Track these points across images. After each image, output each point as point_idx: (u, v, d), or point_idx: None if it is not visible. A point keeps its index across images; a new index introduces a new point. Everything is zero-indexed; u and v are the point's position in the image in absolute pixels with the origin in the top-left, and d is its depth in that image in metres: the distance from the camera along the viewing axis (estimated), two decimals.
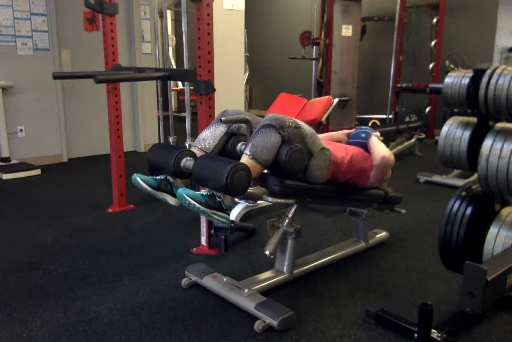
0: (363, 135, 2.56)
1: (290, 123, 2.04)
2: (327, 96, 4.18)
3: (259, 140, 1.95)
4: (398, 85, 6.48)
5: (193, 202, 1.84)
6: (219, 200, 1.91)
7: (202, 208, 1.86)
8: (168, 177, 2.10)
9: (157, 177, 2.08)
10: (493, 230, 1.97)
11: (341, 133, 2.66)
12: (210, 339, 1.87)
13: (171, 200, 2.08)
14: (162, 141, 3.95)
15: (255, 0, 7.91)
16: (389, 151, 2.44)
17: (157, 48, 3.77)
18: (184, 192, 1.85)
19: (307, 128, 2.13)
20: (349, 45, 6.72)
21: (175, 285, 2.31)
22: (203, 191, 1.90)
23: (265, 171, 2.06)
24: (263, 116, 2.08)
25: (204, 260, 2.58)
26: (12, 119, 4.70)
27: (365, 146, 2.50)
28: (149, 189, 2.04)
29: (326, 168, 2.21)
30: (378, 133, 2.57)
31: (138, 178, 2.03)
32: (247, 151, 1.95)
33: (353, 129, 2.69)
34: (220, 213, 1.92)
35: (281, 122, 2.00)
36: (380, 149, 2.43)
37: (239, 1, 4.31)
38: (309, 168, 2.14)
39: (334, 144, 2.40)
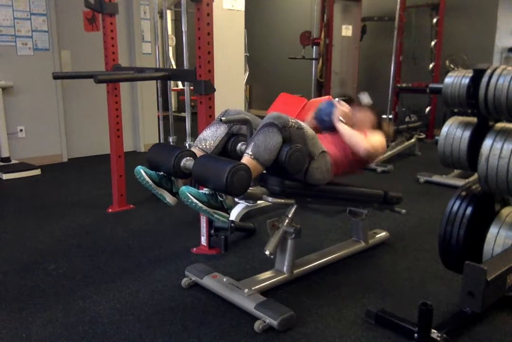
0: (326, 118, 2.42)
1: (293, 124, 2.03)
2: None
3: (262, 139, 1.95)
4: (398, 85, 6.48)
5: (195, 200, 1.83)
6: (221, 199, 1.91)
7: (204, 207, 1.86)
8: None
9: (160, 173, 2.07)
10: (493, 230, 1.97)
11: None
12: (210, 339, 1.87)
13: (168, 198, 2.08)
14: (162, 141, 3.95)
15: (255, 0, 7.91)
16: (365, 140, 2.31)
17: (157, 48, 3.77)
18: (187, 190, 1.84)
19: (308, 130, 2.12)
20: (349, 45, 6.73)
21: (175, 285, 2.31)
22: (206, 190, 1.89)
23: (264, 171, 2.06)
24: (263, 116, 2.08)
25: (204, 260, 2.58)
26: (12, 119, 4.70)
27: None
28: (150, 182, 2.03)
29: (327, 171, 2.21)
30: (341, 112, 2.39)
31: (141, 170, 2.03)
32: (249, 151, 1.94)
33: (323, 101, 2.55)
34: (221, 213, 1.92)
35: (283, 121, 1.99)
36: (353, 141, 2.30)
37: (239, 1, 4.31)
38: (310, 171, 2.14)
39: (325, 139, 2.35)
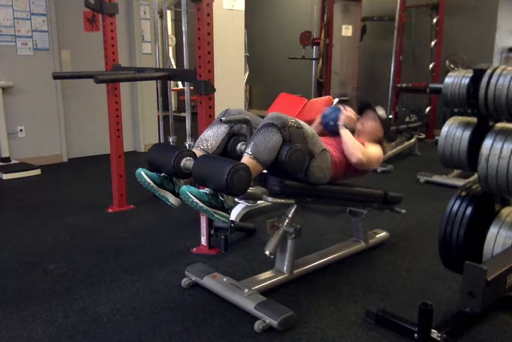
0: (331, 123, 2.47)
1: (292, 123, 2.04)
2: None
3: (261, 139, 1.95)
4: (398, 85, 6.48)
5: (196, 200, 1.82)
6: (222, 199, 1.91)
7: (205, 207, 1.84)
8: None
9: (161, 174, 2.07)
10: (493, 230, 1.97)
11: (321, 104, 2.55)
12: (210, 339, 1.87)
13: (172, 199, 2.07)
14: (162, 141, 3.95)
15: (255, 0, 7.91)
16: (362, 151, 2.33)
17: (157, 48, 3.77)
18: (187, 190, 1.83)
19: (308, 129, 2.13)
20: (349, 45, 6.72)
21: (175, 285, 2.31)
22: (206, 190, 1.89)
23: (264, 171, 2.06)
24: (263, 116, 2.08)
25: (204, 260, 2.58)
26: (12, 119, 4.70)
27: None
28: (152, 184, 2.02)
29: (327, 169, 2.22)
30: (346, 117, 2.43)
31: (142, 172, 2.02)
32: (248, 151, 1.94)
33: (323, 101, 2.60)
34: (221, 213, 1.91)
35: (283, 122, 2.00)
36: (349, 149, 2.32)
37: (239, 1, 4.31)
38: (310, 169, 2.14)
39: (327, 141, 2.36)
